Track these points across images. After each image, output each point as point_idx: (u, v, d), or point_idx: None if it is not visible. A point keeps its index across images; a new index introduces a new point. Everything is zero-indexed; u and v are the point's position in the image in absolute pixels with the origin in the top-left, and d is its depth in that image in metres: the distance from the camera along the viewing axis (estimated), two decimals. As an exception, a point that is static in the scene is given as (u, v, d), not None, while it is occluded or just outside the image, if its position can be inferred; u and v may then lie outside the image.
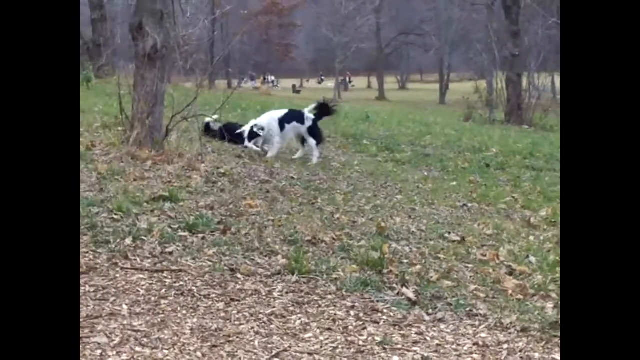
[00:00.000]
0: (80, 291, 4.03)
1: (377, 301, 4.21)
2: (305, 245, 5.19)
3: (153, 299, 4.04)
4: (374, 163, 9.77)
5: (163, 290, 4.17)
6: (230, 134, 9.94)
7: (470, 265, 5.02)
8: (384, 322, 3.92)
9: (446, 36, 52.31)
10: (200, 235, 5.22)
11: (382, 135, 12.81)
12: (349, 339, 3.67)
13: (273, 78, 65.18)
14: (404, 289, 4.38)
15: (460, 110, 24.22)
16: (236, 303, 4.06)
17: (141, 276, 4.37)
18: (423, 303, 4.21)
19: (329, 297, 4.25)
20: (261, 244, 5.11)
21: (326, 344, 3.60)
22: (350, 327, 3.82)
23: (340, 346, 3.58)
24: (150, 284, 4.27)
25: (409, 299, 4.24)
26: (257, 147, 9.53)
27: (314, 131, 9.55)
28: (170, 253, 4.83)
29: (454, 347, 3.64)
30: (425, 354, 3.54)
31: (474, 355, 3.56)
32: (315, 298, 4.22)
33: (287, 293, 4.27)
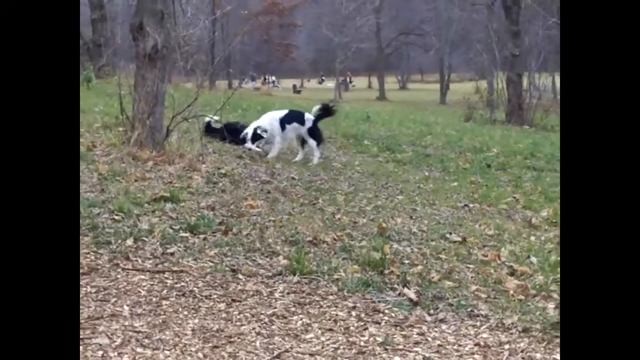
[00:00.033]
0: (82, 292, 4.03)
1: (379, 302, 4.21)
2: (307, 245, 5.19)
3: (154, 299, 4.04)
4: (375, 163, 9.76)
5: (164, 291, 4.17)
6: (230, 134, 9.94)
7: (471, 266, 5.02)
8: (386, 322, 3.92)
9: (446, 36, 52.31)
10: (202, 236, 5.22)
11: (383, 136, 12.81)
12: (351, 339, 3.67)
13: (274, 78, 65.20)
14: (405, 290, 4.38)
15: (461, 111, 24.22)
16: (237, 304, 4.06)
17: (142, 277, 4.37)
18: (424, 303, 4.21)
19: (330, 297, 4.25)
20: (262, 245, 5.11)
21: (327, 345, 3.59)
22: (352, 328, 3.81)
23: (341, 347, 3.58)
24: (152, 284, 4.27)
25: (410, 300, 4.24)
26: (259, 148, 9.50)
27: (314, 132, 9.55)
28: (172, 254, 4.83)
29: (455, 347, 3.64)
30: (427, 355, 3.54)
31: (475, 356, 3.55)
32: (317, 299, 4.22)
33: (288, 294, 4.27)
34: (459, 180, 8.75)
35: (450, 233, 5.87)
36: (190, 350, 3.43)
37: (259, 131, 9.30)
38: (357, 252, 5.08)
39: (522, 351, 3.62)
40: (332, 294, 4.30)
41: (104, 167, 7.14)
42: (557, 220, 6.45)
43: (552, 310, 4.15)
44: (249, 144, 9.30)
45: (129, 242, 4.93)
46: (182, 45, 9.98)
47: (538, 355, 3.58)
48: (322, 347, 3.57)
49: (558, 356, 3.53)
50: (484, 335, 3.80)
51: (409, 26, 59.16)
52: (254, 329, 3.73)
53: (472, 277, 4.77)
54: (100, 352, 3.33)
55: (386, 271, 4.71)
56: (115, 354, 3.34)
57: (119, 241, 4.93)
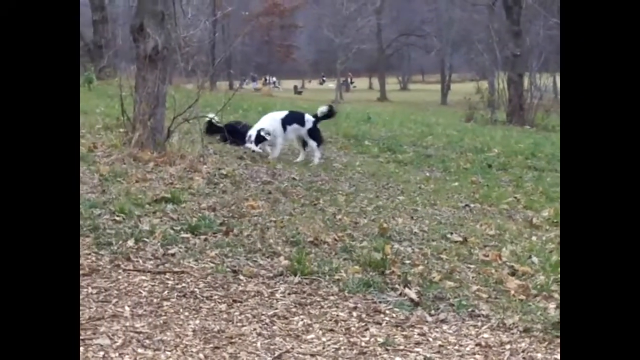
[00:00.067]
0: (83, 293, 4.03)
1: (380, 302, 4.21)
2: (308, 246, 5.19)
3: (155, 300, 4.04)
4: (376, 164, 9.77)
5: (165, 292, 4.17)
6: (231, 134, 9.94)
7: (472, 266, 5.02)
8: (387, 323, 3.92)
9: (447, 37, 52.29)
10: (203, 237, 5.23)
11: (384, 136, 12.81)
12: (352, 340, 3.67)
13: (274, 79, 65.19)
14: (407, 290, 4.38)
15: (462, 111, 24.21)
16: (238, 304, 4.06)
17: (143, 278, 4.37)
18: (425, 304, 4.20)
19: (331, 298, 4.25)
20: (263, 245, 5.11)
21: (328, 345, 3.59)
22: (353, 328, 3.81)
23: (342, 347, 3.58)
24: (153, 285, 4.27)
25: (412, 300, 4.24)
26: (261, 150, 9.47)
27: (314, 133, 9.55)
28: (173, 255, 4.83)
29: (456, 347, 3.64)
30: (428, 355, 3.54)
31: (477, 356, 3.55)
32: (318, 299, 4.22)
33: (289, 294, 4.27)
34: (460, 181, 8.75)
35: (451, 233, 5.87)
36: (191, 351, 3.43)
37: (262, 133, 9.24)
38: (358, 252, 5.08)
39: (523, 351, 3.62)
40: (333, 295, 4.30)
41: (105, 168, 7.15)
42: (558, 220, 6.45)
43: (553, 310, 4.15)
44: (252, 146, 9.21)
45: (130, 243, 4.93)
46: (183, 46, 9.98)
47: (539, 356, 3.58)
48: (323, 348, 3.57)
49: (559, 356, 3.53)
50: (485, 336, 3.80)
51: (410, 27, 59.13)
52: (255, 329, 3.73)
53: (473, 277, 4.77)
54: (102, 353, 3.33)
55: (387, 271, 4.71)
56: (116, 354, 3.34)
57: (120, 242, 4.93)
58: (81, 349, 3.31)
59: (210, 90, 26.03)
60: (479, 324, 3.96)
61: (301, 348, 3.55)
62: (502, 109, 21.80)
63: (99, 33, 24.21)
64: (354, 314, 4.02)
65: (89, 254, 4.70)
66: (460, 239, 5.70)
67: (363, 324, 3.88)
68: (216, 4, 43.03)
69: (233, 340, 3.58)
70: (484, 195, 7.78)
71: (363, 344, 3.63)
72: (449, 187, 8.21)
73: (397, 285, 4.47)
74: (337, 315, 3.98)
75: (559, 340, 3.68)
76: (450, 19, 51.30)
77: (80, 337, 3.41)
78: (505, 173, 9.75)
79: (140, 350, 3.39)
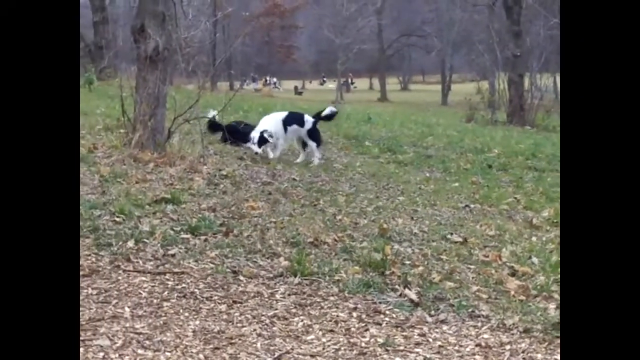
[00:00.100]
0: (83, 294, 4.03)
1: (380, 303, 4.21)
2: (308, 246, 5.19)
3: (155, 301, 4.04)
4: (376, 164, 9.77)
5: (165, 293, 4.17)
6: (232, 134, 9.94)
7: (472, 266, 5.02)
8: (387, 323, 3.92)
9: (448, 37, 52.27)
10: (203, 238, 5.23)
11: (384, 137, 12.81)
12: (352, 340, 3.67)
13: (275, 80, 65.19)
14: (407, 291, 4.38)
15: (462, 111, 24.21)
16: (238, 305, 4.06)
17: (143, 279, 4.38)
18: (425, 304, 4.21)
19: (331, 298, 4.25)
20: (263, 246, 5.11)
21: (328, 346, 3.59)
22: (353, 329, 3.81)
23: (342, 348, 3.58)
24: (153, 286, 4.27)
25: (412, 300, 4.24)
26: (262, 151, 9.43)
27: (314, 133, 9.54)
28: (173, 255, 4.83)
29: (456, 348, 3.64)
30: (428, 356, 3.54)
31: (477, 357, 3.55)
32: (318, 300, 4.22)
33: (289, 295, 4.27)
34: (460, 181, 8.75)
35: (452, 234, 5.87)
36: (191, 352, 3.43)
37: (265, 135, 9.19)
38: (358, 253, 5.08)
39: (523, 352, 3.62)
40: (333, 295, 4.30)
41: (105, 169, 7.15)
42: (558, 221, 6.45)
43: (553, 310, 4.15)
44: (255, 148, 9.16)
45: (130, 243, 4.94)
46: (184, 47, 9.99)
47: (539, 356, 3.58)
48: (323, 348, 3.57)
49: (559, 357, 3.52)
50: (485, 336, 3.80)
51: (411, 27, 59.15)
52: (255, 330, 3.73)
53: (473, 278, 4.77)
54: (102, 354, 3.33)
55: (387, 272, 4.71)
56: (116, 355, 3.34)
57: (120, 243, 4.93)
58: (81, 349, 3.32)
59: (211, 91, 26.05)
60: (479, 324, 3.96)
61: (301, 349, 3.55)
62: (502, 109, 21.79)
63: (100, 34, 24.23)
64: (354, 314, 4.02)
65: (89, 254, 4.70)
66: (460, 239, 5.70)
67: (363, 324, 3.88)
68: (217, 5, 43.03)
69: (233, 341, 3.58)
70: (484, 195, 7.78)
71: (363, 344, 3.63)
72: (449, 188, 8.21)
73: (397, 286, 4.47)
74: (337, 316, 3.98)
75: (559, 341, 3.68)
76: (450, 19, 51.29)
77: (80, 338, 3.41)
78: (506, 173, 9.75)
79: (140, 351, 3.40)
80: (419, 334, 3.79)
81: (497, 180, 9.07)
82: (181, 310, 3.93)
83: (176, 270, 4.56)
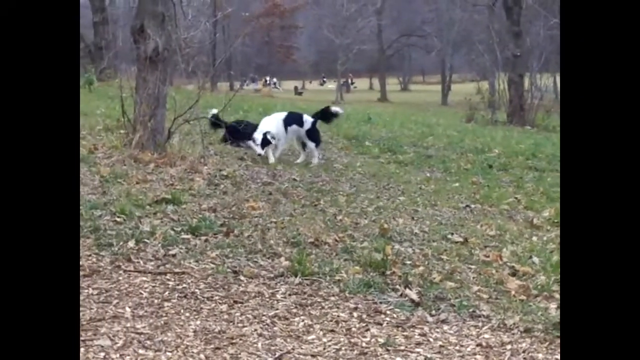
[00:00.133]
0: (84, 294, 4.03)
1: (380, 302, 4.21)
2: (308, 247, 5.19)
3: (156, 301, 4.04)
4: (377, 164, 9.77)
5: (166, 293, 4.17)
6: (232, 135, 9.94)
7: (473, 266, 5.02)
8: (387, 323, 3.92)
9: (448, 37, 52.25)
10: (203, 238, 5.23)
11: (384, 137, 12.81)
12: (352, 340, 3.67)
13: (275, 80, 65.20)
14: (407, 290, 4.38)
15: (463, 112, 24.20)
16: (239, 305, 4.07)
17: (144, 279, 4.38)
18: (426, 304, 4.21)
19: (332, 298, 4.25)
20: (264, 246, 5.11)
21: (329, 346, 3.60)
22: (353, 329, 3.81)
23: (343, 348, 3.58)
24: (153, 286, 4.27)
25: (412, 300, 4.24)
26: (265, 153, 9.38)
27: (313, 134, 9.52)
28: (173, 255, 4.83)
29: (457, 348, 3.64)
30: (429, 355, 3.54)
31: (477, 356, 3.55)
32: (318, 300, 4.22)
33: (290, 295, 4.27)
34: (460, 181, 8.75)
35: (452, 234, 5.87)
36: (192, 352, 3.43)
37: (268, 136, 9.12)
38: (359, 253, 5.08)
39: (524, 351, 3.62)
40: (333, 295, 4.30)
41: (106, 170, 7.15)
42: (559, 221, 6.45)
43: (553, 310, 4.15)
44: (258, 150, 9.09)
45: (131, 244, 4.94)
46: (183, 47, 9.99)
47: (540, 356, 3.58)
48: (324, 348, 3.57)
49: (559, 356, 3.52)
50: (486, 336, 3.80)
51: (411, 27, 59.13)
52: (255, 330, 3.73)
53: (473, 278, 4.77)
54: (102, 354, 3.34)
55: (388, 272, 4.71)
56: (117, 355, 3.34)
57: (121, 243, 4.93)
58: (82, 350, 3.32)
59: (211, 91, 26.05)
60: (480, 324, 3.96)
61: (302, 349, 3.55)
62: (502, 109, 21.78)
63: (100, 34, 24.24)
64: (355, 314, 4.02)
65: (90, 255, 4.70)
66: (461, 239, 5.70)
67: (364, 324, 3.88)
68: (216, 5, 43.07)
69: (234, 341, 3.58)
70: (484, 195, 7.78)
71: (364, 344, 3.63)
72: (449, 188, 8.21)
73: (397, 286, 4.47)
74: (338, 316, 3.98)
75: (559, 341, 3.68)
76: (450, 19, 51.28)
77: (81, 338, 3.41)
78: (506, 173, 9.74)
79: (141, 351, 3.40)
80: (419, 334, 3.79)
81: (498, 180, 9.06)
82: (182, 310, 3.93)
83: (177, 270, 4.57)
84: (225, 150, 9.63)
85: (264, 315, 3.93)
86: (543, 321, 3.98)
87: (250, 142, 9.27)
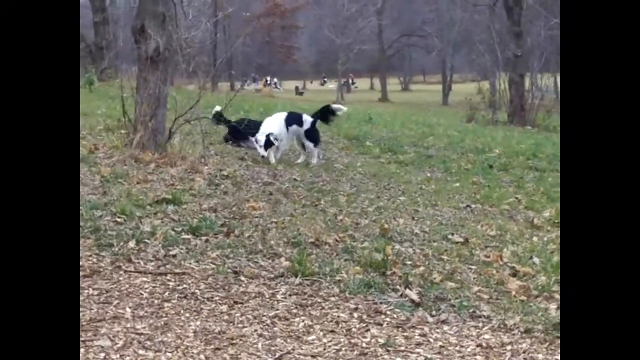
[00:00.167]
0: (84, 294, 4.03)
1: (381, 303, 4.21)
2: (309, 247, 5.19)
3: (156, 301, 4.04)
4: (377, 164, 9.77)
5: (166, 293, 4.17)
6: (233, 135, 9.94)
7: (473, 267, 5.02)
8: (387, 323, 3.92)
9: (448, 37, 52.24)
10: (204, 238, 5.23)
11: (385, 137, 12.81)
12: (352, 341, 3.67)
13: (276, 80, 65.21)
14: (407, 291, 4.37)
15: (463, 112, 24.21)
16: (239, 305, 4.06)
17: (144, 279, 4.38)
18: (426, 304, 4.20)
19: (332, 299, 4.25)
20: (264, 246, 5.11)
21: (329, 346, 3.59)
22: (354, 329, 3.81)
23: (343, 348, 3.58)
24: (154, 286, 4.27)
25: (412, 301, 4.24)
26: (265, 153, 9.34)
27: (312, 133, 9.52)
28: (174, 256, 4.83)
29: (457, 348, 3.64)
30: (429, 356, 3.54)
31: (478, 357, 3.55)
32: (319, 300, 4.22)
33: (290, 295, 4.27)
34: (461, 181, 8.75)
35: (453, 234, 5.87)
36: (192, 352, 3.43)
37: (271, 138, 9.09)
38: (359, 253, 5.08)
39: (524, 352, 3.62)
40: (334, 296, 4.30)
41: (106, 170, 7.15)
42: (559, 221, 6.45)
43: (554, 311, 4.15)
44: (262, 151, 9.03)
45: (131, 244, 4.94)
46: (184, 47, 10.00)
47: (540, 356, 3.58)
48: (324, 349, 3.57)
49: (559, 357, 3.52)
50: (486, 336, 3.80)
51: (411, 27, 59.13)
52: (255, 330, 3.73)
53: (474, 278, 4.77)
54: (102, 355, 3.33)
55: (388, 272, 4.71)
56: (117, 356, 3.34)
57: (121, 243, 4.93)
58: (82, 350, 3.32)
59: (212, 91, 26.06)
60: (480, 324, 3.95)
61: (302, 349, 3.55)
62: (503, 109, 21.78)
63: (100, 34, 24.25)
64: (355, 315, 4.02)
65: (90, 255, 4.70)
66: (462, 239, 5.70)
67: (364, 325, 3.88)
68: (217, 5, 43.06)
69: (234, 342, 3.58)
70: (485, 195, 7.78)
71: (364, 344, 3.63)
72: (450, 188, 8.21)
73: (398, 286, 4.47)
74: (338, 316, 3.98)
75: (559, 341, 3.68)
76: (451, 19, 51.25)
77: (81, 339, 3.41)
78: (507, 174, 9.74)
79: (141, 352, 3.40)
80: (420, 334, 3.79)
81: (498, 181, 9.06)
82: (182, 311, 3.93)
83: (177, 270, 4.57)
84: (225, 150, 9.63)
85: (264, 315, 3.93)
86: (543, 322, 3.98)
87: (253, 141, 9.22)
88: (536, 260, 5.22)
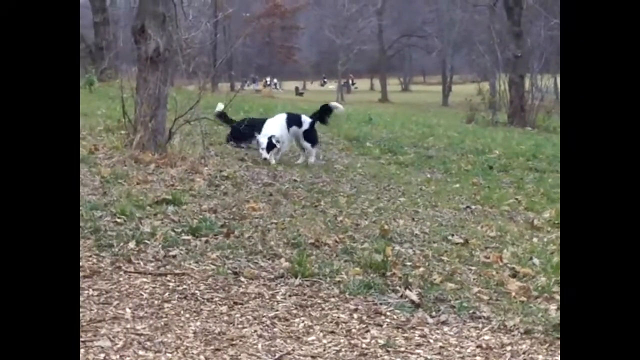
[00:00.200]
0: (84, 295, 4.03)
1: (380, 304, 4.21)
2: (309, 248, 5.19)
3: (156, 302, 4.04)
4: (377, 165, 9.77)
5: (166, 294, 4.17)
6: (234, 135, 9.94)
7: (473, 268, 5.02)
8: (387, 324, 3.92)
9: (448, 38, 52.25)
10: (204, 239, 5.23)
11: (385, 138, 12.81)
12: (352, 341, 3.67)
13: (275, 81, 65.22)
14: (407, 292, 4.37)
15: (463, 112, 24.20)
16: (239, 306, 4.06)
17: (144, 280, 4.38)
18: (426, 305, 4.20)
19: (332, 300, 4.25)
20: (264, 247, 5.11)
21: (329, 347, 3.59)
22: (354, 330, 3.81)
23: (343, 349, 3.58)
24: (154, 287, 4.27)
25: (412, 302, 4.24)
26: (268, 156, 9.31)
27: (310, 134, 9.52)
28: (174, 256, 4.83)
29: (457, 349, 3.64)
30: (429, 357, 3.54)
31: (477, 358, 3.55)
32: (319, 301, 4.22)
33: (290, 296, 4.27)
34: (461, 182, 8.75)
35: (452, 235, 5.87)
36: (192, 353, 3.43)
37: (273, 140, 9.07)
38: (359, 254, 5.08)
39: (524, 353, 3.62)
40: (334, 297, 4.30)
41: (106, 170, 7.15)
42: (559, 222, 6.45)
43: (554, 312, 4.14)
44: (264, 154, 8.99)
45: (131, 244, 4.94)
46: (184, 47, 10.00)
47: (540, 357, 3.58)
48: (324, 350, 3.57)
49: (559, 358, 3.52)
50: (486, 337, 3.80)
51: (411, 28, 59.15)
52: (255, 331, 3.73)
53: (474, 279, 4.77)
54: (102, 355, 3.33)
55: (388, 273, 4.70)
56: (117, 356, 3.34)
57: (121, 244, 4.93)
58: (82, 351, 3.32)
59: (212, 92, 26.07)
60: (480, 325, 3.95)
61: (302, 350, 3.55)
62: (503, 110, 21.77)
63: (100, 35, 24.25)
64: (355, 315, 4.02)
65: (90, 255, 4.70)
66: (461, 240, 5.70)
67: (364, 325, 3.88)
68: (217, 6, 43.08)
69: (234, 342, 3.58)
70: (485, 196, 7.78)
71: (364, 345, 3.63)
72: (450, 189, 8.21)
73: (398, 287, 4.47)
74: (338, 317, 3.98)
75: (559, 342, 3.68)
76: (451, 19, 51.27)
77: (81, 339, 3.41)
78: (507, 174, 9.74)
79: (141, 352, 3.40)
80: (419, 335, 3.79)
81: (498, 181, 9.06)
82: (182, 312, 3.93)
83: (177, 271, 4.56)
84: (225, 151, 9.63)
85: (264, 316, 3.93)
86: (543, 323, 3.98)
87: (258, 139, 9.16)
88: (536, 261, 5.22)
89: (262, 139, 9.03)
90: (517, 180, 9.20)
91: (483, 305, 4.24)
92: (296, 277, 4.53)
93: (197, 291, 4.24)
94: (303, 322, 3.89)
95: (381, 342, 3.67)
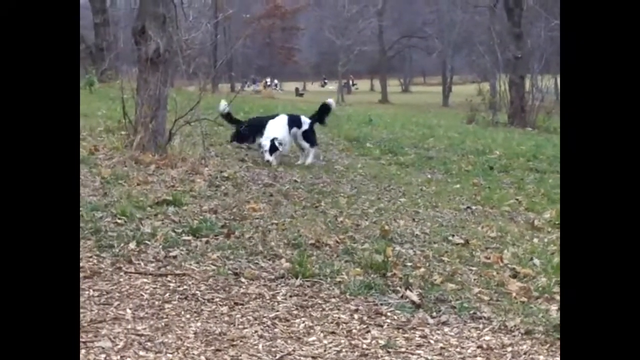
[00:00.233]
0: (84, 295, 4.03)
1: (381, 304, 4.21)
2: (309, 248, 5.19)
3: (157, 303, 4.04)
4: (378, 166, 9.77)
5: (167, 295, 4.17)
6: (235, 135, 9.94)
7: (474, 268, 5.02)
8: (388, 325, 3.92)
9: (449, 38, 52.24)
10: (204, 239, 5.23)
11: (385, 138, 12.80)
12: (353, 342, 3.67)
13: (276, 82, 65.21)
14: (408, 292, 4.37)
15: (463, 113, 24.19)
16: (240, 307, 4.06)
17: (145, 280, 4.38)
18: (427, 306, 4.20)
19: (333, 300, 4.25)
20: (265, 248, 5.11)
21: (330, 348, 3.59)
22: (354, 331, 3.81)
23: (344, 350, 3.58)
24: (154, 288, 4.27)
25: (413, 302, 4.24)
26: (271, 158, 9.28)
27: (309, 135, 9.51)
28: (174, 257, 4.83)
29: (457, 350, 3.64)
30: (429, 357, 3.54)
31: (478, 359, 3.55)
32: (319, 301, 4.22)
33: (290, 297, 4.27)
34: (461, 183, 8.75)
35: (453, 235, 5.87)
36: (193, 354, 3.43)
37: (276, 142, 9.04)
38: (360, 254, 5.08)
39: (524, 353, 3.62)
40: (334, 297, 4.30)
41: (107, 171, 7.15)
42: (560, 222, 6.45)
43: (554, 312, 4.15)
44: (267, 156, 8.96)
45: (132, 245, 4.93)
46: (185, 48, 10.01)
47: (541, 358, 3.58)
48: (325, 350, 3.57)
49: (559, 358, 3.52)
50: (487, 338, 3.80)
51: (412, 29, 59.14)
52: (256, 332, 3.73)
53: (474, 280, 4.77)
54: (103, 356, 3.33)
55: (389, 274, 4.70)
56: (118, 357, 3.34)
57: (122, 245, 4.93)
58: (82, 351, 3.32)
59: (212, 93, 26.06)
60: (481, 326, 3.95)
61: (302, 350, 3.55)
62: (503, 111, 21.76)
63: (101, 36, 24.26)
64: (356, 316, 4.02)
65: (91, 256, 4.70)
66: (462, 241, 5.70)
67: (364, 326, 3.88)
68: (217, 7, 43.09)
69: (234, 343, 3.58)
70: (485, 197, 7.78)
71: (364, 346, 3.63)
72: (450, 189, 8.21)
73: (398, 288, 4.47)
74: (339, 318, 3.98)
75: (560, 343, 3.68)
76: (451, 20, 51.27)
77: (82, 340, 3.41)
78: (507, 175, 9.74)
79: (141, 353, 3.39)
80: (420, 336, 3.79)
81: (499, 182, 9.06)
82: (182, 312, 3.93)
83: (178, 272, 4.56)
84: (226, 151, 9.63)
85: (264, 317, 3.93)
86: (544, 323, 3.98)
87: (261, 150, 9.13)
88: (537, 261, 5.22)
89: (265, 141, 9.02)
90: (517, 180, 9.21)
91: (484, 306, 4.24)
92: (297, 278, 4.53)
93: (197, 292, 4.24)
94: (304, 322, 3.89)
95: (382, 342, 3.67)
